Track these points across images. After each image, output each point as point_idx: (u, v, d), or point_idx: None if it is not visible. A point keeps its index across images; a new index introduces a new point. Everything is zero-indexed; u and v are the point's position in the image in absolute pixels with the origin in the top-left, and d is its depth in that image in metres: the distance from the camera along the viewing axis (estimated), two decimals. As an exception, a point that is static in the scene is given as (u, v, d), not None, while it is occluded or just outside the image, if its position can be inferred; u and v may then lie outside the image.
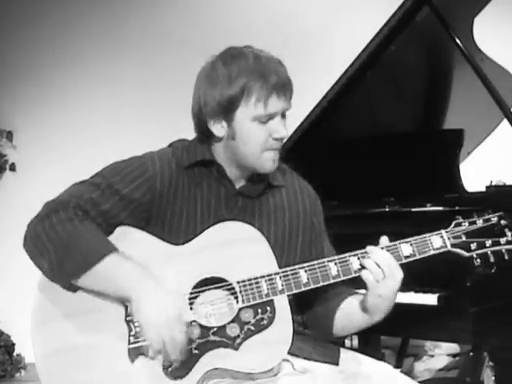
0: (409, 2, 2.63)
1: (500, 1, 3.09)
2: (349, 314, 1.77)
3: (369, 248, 1.68)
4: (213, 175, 1.77)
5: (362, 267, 1.67)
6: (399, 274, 1.66)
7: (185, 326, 1.60)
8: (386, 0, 3.03)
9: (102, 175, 1.72)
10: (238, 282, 1.65)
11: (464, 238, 1.70)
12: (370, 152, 2.82)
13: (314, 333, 1.85)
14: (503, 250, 1.71)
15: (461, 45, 2.65)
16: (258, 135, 1.70)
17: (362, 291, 1.73)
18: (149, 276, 1.61)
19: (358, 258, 1.68)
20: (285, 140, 1.78)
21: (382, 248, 1.68)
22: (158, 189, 1.72)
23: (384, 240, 1.70)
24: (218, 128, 1.72)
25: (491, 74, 2.65)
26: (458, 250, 1.70)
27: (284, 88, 1.69)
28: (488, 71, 2.65)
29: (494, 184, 2.62)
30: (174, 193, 1.73)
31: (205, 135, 1.77)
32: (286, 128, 1.74)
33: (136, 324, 1.64)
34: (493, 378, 2.34)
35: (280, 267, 1.69)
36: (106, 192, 1.68)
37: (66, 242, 1.61)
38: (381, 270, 1.65)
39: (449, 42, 2.67)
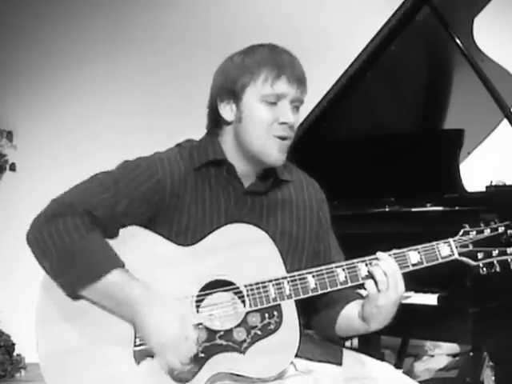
0: (409, 1, 2.63)
1: (500, 1, 3.09)
2: (349, 320, 1.76)
3: (379, 254, 1.66)
4: (222, 175, 1.76)
5: (370, 274, 1.65)
6: (402, 287, 1.65)
7: (193, 345, 1.58)
8: (385, 0, 3.03)
9: (112, 176, 1.69)
10: (246, 286, 1.64)
11: (471, 247, 1.70)
12: (370, 152, 2.82)
13: (317, 331, 1.85)
14: (509, 260, 1.71)
15: (461, 45, 2.65)
16: (263, 115, 1.70)
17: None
18: (152, 298, 1.59)
19: (366, 265, 1.66)
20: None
21: (390, 255, 1.66)
22: (168, 190, 1.71)
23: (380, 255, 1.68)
24: (227, 111, 1.74)
25: (491, 73, 2.64)
26: (465, 259, 1.70)
27: (295, 75, 1.71)
28: (488, 71, 2.65)
29: (494, 184, 2.61)
30: (183, 194, 1.72)
31: (215, 123, 1.78)
32: (296, 118, 1.74)
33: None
34: (493, 378, 2.34)
35: (289, 264, 1.69)
36: (116, 195, 1.66)
37: (70, 251, 1.59)
38: (386, 279, 1.63)
39: (449, 42, 2.66)
